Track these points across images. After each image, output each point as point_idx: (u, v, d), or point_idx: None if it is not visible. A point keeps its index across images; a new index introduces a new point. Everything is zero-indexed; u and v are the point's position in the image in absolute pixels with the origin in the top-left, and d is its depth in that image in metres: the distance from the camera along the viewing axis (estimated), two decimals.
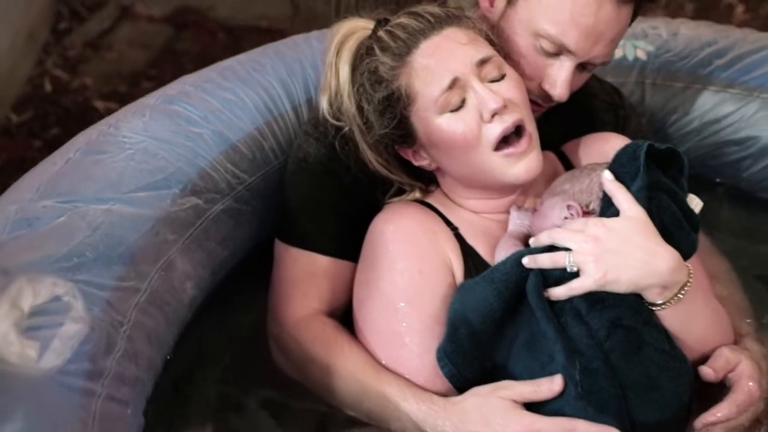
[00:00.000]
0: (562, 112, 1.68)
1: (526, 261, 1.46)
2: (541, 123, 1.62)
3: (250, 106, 1.81)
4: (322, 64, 1.89)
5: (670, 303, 1.46)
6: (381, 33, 1.56)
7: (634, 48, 2.02)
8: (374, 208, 1.65)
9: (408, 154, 1.60)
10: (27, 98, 3.15)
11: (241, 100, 1.81)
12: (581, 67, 1.62)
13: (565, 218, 1.52)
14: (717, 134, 1.99)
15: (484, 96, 1.50)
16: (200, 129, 1.73)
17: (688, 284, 1.45)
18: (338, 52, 1.60)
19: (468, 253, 1.57)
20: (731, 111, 1.97)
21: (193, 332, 1.66)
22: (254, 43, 3.39)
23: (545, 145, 1.61)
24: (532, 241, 1.50)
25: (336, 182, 1.66)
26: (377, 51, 1.55)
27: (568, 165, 1.71)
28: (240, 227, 1.76)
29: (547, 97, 1.62)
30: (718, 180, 2.03)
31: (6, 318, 1.29)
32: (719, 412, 1.49)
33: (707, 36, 2.04)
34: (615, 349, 1.44)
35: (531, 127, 1.54)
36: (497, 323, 1.48)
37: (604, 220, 1.46)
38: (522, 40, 1.60)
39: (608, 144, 1.65)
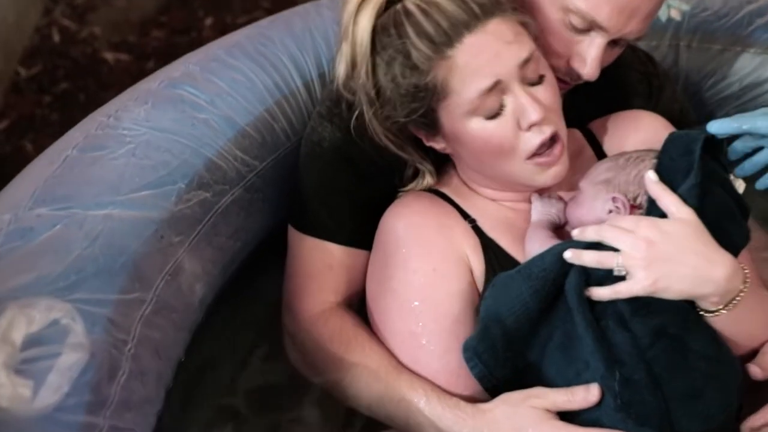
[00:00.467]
0: (591, 85, 1.53)
1: (569, 255, 1.34)
2: (567, 97, 1.49)
3: (259, 86, 1.67)
4: (335, 35, 1.78)
5: (724, 311, 1.35)
6: (411, 6, 1.39)
7: (668, 7, 1.86)
8: (392, 195, 1.54)
9: (420, 134, 1.47)
10: (35, 51, 3.01)
11: (250, 79, 1.67)
12: (612, 43, 1.48)
13: (610, 211, 1.40)
14: (757, 100, 1.84)
15: (526, 105, 1.38)
16: (206, 115, 1.60)
17: (744, 291, 1.34)
18: (356, 18, 1.42)
19: (488, 246, 1.46)
20: None
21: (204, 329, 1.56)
22: None
23: (571, 122, 1.49)
24: (575, 234, 1.37)
25: (352, 168, 1.55)
26: (411, 33, 1.37)
27: (596, 144, 1.58)
28: (252, 217, 1.64)
29: (575, 75, 1.49)
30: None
31: None
32: (765, 415, 1.39)
33: None
34: (658, 359, 1.33)
35: (563, 134, 1.43)
36: (532, 323, 1.37)
37: (658, 221, 1.33)
38: (550, 15, 1.45)
39: (640, 123, 1.54)
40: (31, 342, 1.25)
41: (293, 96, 1.69)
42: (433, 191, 1.52)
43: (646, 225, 1.33)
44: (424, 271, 1.44)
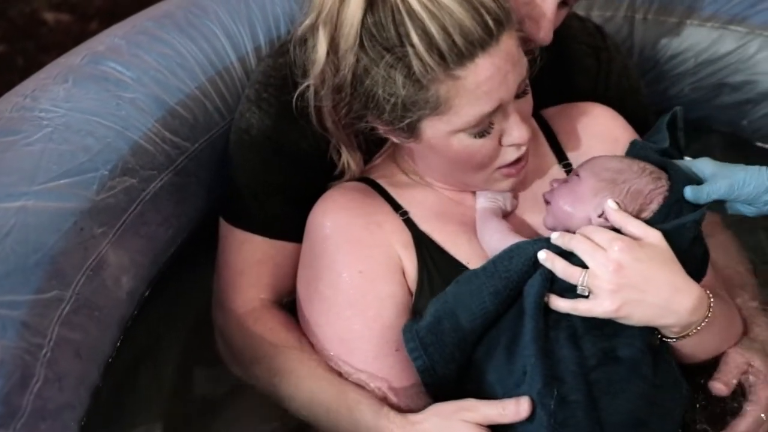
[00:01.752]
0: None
1: (543, 257, 1.26)
2: None
3: (191, 61, 1.57)
4: (270, 3, 1.66)
5: (684, 338, 1.30)
6: (414, 2, 1.21)
7: None
8: (324, 184, 1.44)
9: (379, 128, 1.33)
10: None
11: (180, 54, 1.57)
12: (562, 3, 1.39)
13: (600, 216, 1.30)
14: (713, 76, 1.77)
15: (513, 126, 1.29)
16: (132, 94, 1.49)
17: (707, 319, 1.28)
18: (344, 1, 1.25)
19: (421, 241, 1.36)
20: (730, 50, 1.74)
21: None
22: None
23: None
24: (553, 237, 1.28)
25: (282, 158, 1.45)
26: (416, 41, 1.21)
27: (549, 132, 1.48)
28: (184, 203, 1.55)
29: (528, 40, 1.38)
30: (713, 126, 1.81)
31: None
32: (743, 426, 1.33)
33: None
34: (601, 382, 1.25)
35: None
36: (487, 323, 1.29)
37: (633, 244, 1.25)
38: None
39: (593, 119, 1.48)
40: None
41: (227, 72, 1.59)
42: (365, 180, 1.42)
43: (620, 247, 1.25)
44: (350, 274, 1.35)
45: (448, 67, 1.22)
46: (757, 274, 1.55)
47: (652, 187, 1.31)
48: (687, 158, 1.40)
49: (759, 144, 1.79)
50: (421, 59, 1.22)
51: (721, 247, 1.53)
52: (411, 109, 1.26)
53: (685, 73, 1.78)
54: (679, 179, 1.32)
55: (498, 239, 1.33)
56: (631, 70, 1.67)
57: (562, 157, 1.46)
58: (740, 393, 1.37)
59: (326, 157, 1.42)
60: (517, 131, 1.29)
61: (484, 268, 1.29)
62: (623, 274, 1.23)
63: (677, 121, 1.40)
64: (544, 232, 1.37)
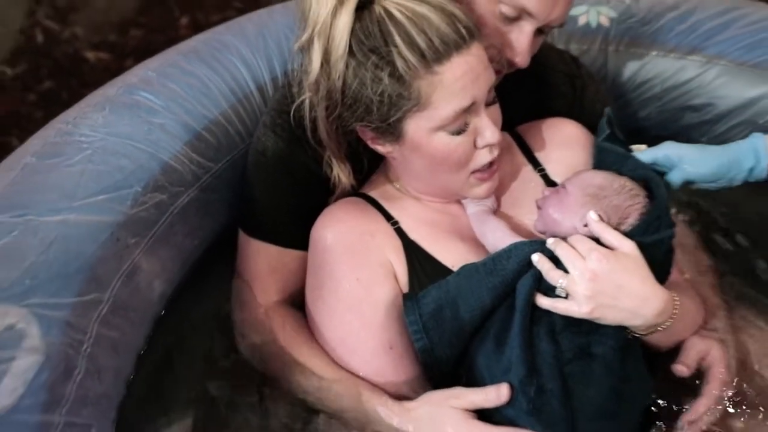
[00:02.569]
0: (517, 87, 1.45)
1: (536, 259, 1.26)
2: (497, 98, 1.39)
3: (214, 91, 1.56)
4: (286, 39, 1.67)
5: (651, 334, 1.30)
6: (396, 13, 1.24)
7: (598, 14, 1.76)
8: (329, 201, 1.44)
9: (366, 136, 1.34)
10: (19, 51, 2.86)
11: (205, 84, 1.56)
12: (538, 31, 1.39)
13: (585, 225, 1.30)
14: (677, 100, 1.76)
15: (485, 127, 1.29)
16: (162, 120, 1.49)
17: (672, 318, 1.28)
18: (335, 15, 1.25)
19: (410, 248, 1.36)
20: (691, 77, 1.73)
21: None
22: None
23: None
24: (549, 243, 1.28)
25: (292, 177, 1.45)
26: (399, 42, 1.23)
27: (525, 147, 1.49)
28: (208, 216, 1.54)
29: (508, 63, 1.39)
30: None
31: None
32: (700, 408, 1.34)
33: (669, 1, 1.78)
34: (574, 375, 1.26)
35: (501, 146, 1.35)
36: (485, 316, 1.29)
37: (609, 254, 1.25)
38: (482, 8, 1.35)
39: (563, 133, 1.47)
40: None
41: (247, 99, 1.59)
42: (360, 195, 1.43)
43: (597, 257, 1.25)
44: (348, 281, 1.35)
45: (427, 64, 1.24)
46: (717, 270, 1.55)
47: (629, 203, 1.31)
48: (641, 147, 1.41)
49: None
50: (404, 58, 1.23)
51: (684, 244, 1.53)
52: (396, 104, 1.26)
53: (652, 97, 1.77)
54: (661, 195, 1.32)
55: (500, 237, 1.33)
56: (603, 95, 1.66)
57: (536, 164, 1.46)
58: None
59: (331, 182, 1.42)
60: (489, 132, 1.29)
61: (484, 263, 1.29)
62: (598, 282, 1.24)
63: (612, 120, 1.41)
64: (524, 229, 1.38)
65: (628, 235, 1.28)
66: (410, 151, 1.32)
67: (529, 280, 1.26)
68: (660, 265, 1.28)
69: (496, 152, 1.32)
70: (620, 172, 1.35)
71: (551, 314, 1.26)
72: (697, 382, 1.37)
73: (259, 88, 1.60)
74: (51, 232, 1.28)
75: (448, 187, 1.37)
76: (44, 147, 1.41)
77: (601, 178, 1.34)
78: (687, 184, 1.40)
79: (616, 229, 1.29)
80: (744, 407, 1.36)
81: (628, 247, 1.26)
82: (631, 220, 1.30)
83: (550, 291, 1.26)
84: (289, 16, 1.71)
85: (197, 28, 2.88)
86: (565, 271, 1.25)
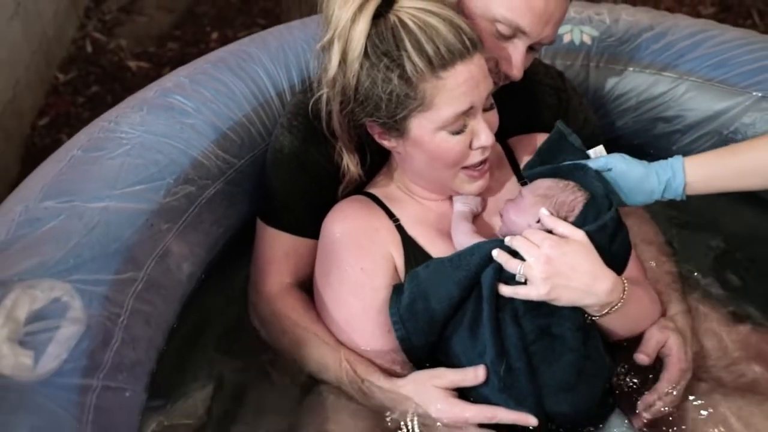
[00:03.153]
0: (509, 98, 1.44)
1: (496, 254, 1.27)
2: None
3: (239, 95, 1.57)
4: (303, 51, 1.67)
5: (606, 315, 1.29)
6: (409, 22, 1.25)
7: (581, 33, 1.75)
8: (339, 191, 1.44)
9: (374, 131, 1.35)
10: (71, 59, 2.88)
11: (231, 90, 1.56)
12: (530, 48, 1.39)
13: (538, 221, 1.30)
14: (651, 111, 1.74)
15: (482, 131, 1.30)
16: (193, 120, 1.49)
17: (622, 299, 1.28)
18: (354, 20, 1.26)
19: (408, 244, 1.37)
20: (663, 91, 1.72)
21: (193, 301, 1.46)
22: (262, 6, 3.18)
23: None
24: (506, 241, 1.29)
25: (306, 173, 1.45)
26: (409, 47, 1.24)
27: (512, 158, 1.48)
28: (232, 207, 1.54)
29: (503, 75, 1.40)
30: (651, 151, 1.78)
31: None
32: (657, 391, 1.33)
33: (645, 22, 1.76)
34: (538, 354, 1.27)
35: (493, 150, 1.35)
36: (453, 307, 1.29)
37: (560, 241, 1.26)
38: (480, 25, 1.35)
39: None
40: (34, 317, 1.15)
41: (267, 104, 1.59)
42: (366, 194, 1.43)
43: (550, 244, 1.26)
44: (354, 270, 1.35)
45: (433, 69, 1.25)
46: (675, 261, 1.54)
47: (572, 197, 1.32)
48: (599, 148, 1.39)
49: None
50: (412, 61, 1.24)
51: (645, 238, 1.53)
52: (402, 103, 1.27)
53: (628, 109, 1.76)
54: (595, 187, 1.32)
55: (465, 239, 1.35)
56: (586, 106, 1.66)
57: (520, 176, 1.46)
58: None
59: (340, 174, 1.42)
60: (484, 135, 1.30)
61: (450, 259, 1.30)
62: (552, 265, 1.24)
63: (563, 131, 1.40)
64: (496, 236, 1.37)
65: (577, 225, 1.28)
66: (412, 146, 1.33)
67: (490, 273, 1.27)
68: (608, 251, 1.28)
69: (487, 153, 1.32)
70: (560, 170, 1.36)
71: (514, 301, 1.27)
72: (656, 368, 1.36)
73: (278, 94, 1.61)
74: (94, 217, 1.29)
75: (442, 182, 1.37)
76: (89, 141, 1.41)
77: (549, 182, 1.35)
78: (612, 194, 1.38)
79: (565, 221, 1.30)
80: (699, 392, 1.35)
81: (579, 235, 1.27)
82: (576, 212, 1.31)
83: (510, 280, 1.27)
84: (306, 31, 1.72)
85: (226, 42, 2.85)
86: (522, 260, 1.26)
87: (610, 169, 1.36)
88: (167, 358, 1.38)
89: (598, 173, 1.35)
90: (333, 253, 1.37)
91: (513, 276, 1.26)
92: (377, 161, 1.45)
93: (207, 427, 1.38)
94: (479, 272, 1.27)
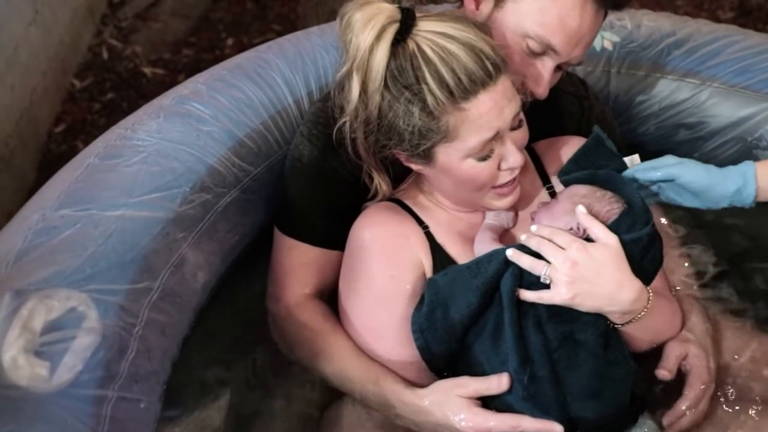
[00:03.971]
0: (531, 106, 1.41)
1: (510, 253, 1.25)
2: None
3: (256, 102, 1.55)
4: (321, 58, 1.65)
5: (628, 324, 1.27)
6: (428, 51, 1.21)
7: (602, 39, 1.73)
8: (358, 204, 1.42)
9: (401, 156, 1.32)
10: (87, 66, 2.88)
11: (248, 97, 1.55)
12: (557, 68, 1.37)
13: (570, 229, 1.28)
14: (673, 118, 1.72)
15: (510, 154, 1.27)
16: (210, 127, 1.48)
17: (646, 309, 1.26)
18: (372, 50, 1.22)
19: (437, 251, 1.34)
20: (686, 98, 1.69)
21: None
22: (277, 12, 3.17)
23: None
24: (522, 238, 1.27)
25: (325, 182, 1.43)
26: (430, 80, 1.20)
27: (538, 162, 1.46)
28: (248, 215, 1.52)
29: (529, 93, 1.37)
30: None
31: (16, 342, 1.07)
32: (682, 406, 1.31)
33: (666, 27, 1.74)
34: (561, 360, 1.24)
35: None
36: (473, 316, 1.27)
37: (587, 245, 1.23)
38: (510, 41, 1.33)
39: (572, 147, 1.42)
40: (50, 327, 1.15)
41: (285, 111, 1.57)
42: (394, 200, 1.40)
43: (577, 247, 1.23)
44: (382, 277, 1.33)
45: (455, 101, 1.22)
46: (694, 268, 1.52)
47: (608, 208, 1.29)
48: (635, 157, 1.37)
49: None
50: (433, 94, 1.21)
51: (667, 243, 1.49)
52: (426, 136, 1.24)
53: (650, 115, 1.74)
54: (635, 199, 1.29)
55: (484, 248, 1.32)
56: (608, 113, 1.64)
57: (546, 181, 1.44)
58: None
59: (360, 182, 1.40)
60: (512, 157, 1.27)
61: (468, 266, 1.28)
62: (577, 270, 1.22)
63: (601, 137, 1.37)
64: None
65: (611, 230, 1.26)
66: (440, 173, 1.31)
67: (509, 279, 1.24)
68: (638, 264, 1.25)
69: (516, 173, 1.30)
70: (598, 177, 1.33)
71: (536, 308, 1.25)
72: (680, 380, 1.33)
73: (296, 101, 1.59)
74: (110, 225, 1.28)
75: (472, 201, 1.35)
76: (106, 149, 1.41)
77: (586, 189, 1.33)
78: (672, 200, 1.36)
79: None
80: (723, 403, 1.33)
81: (612, 239, 1.24)
82: (610, 222, 1.28)
83: (532, 285, 1.24)
84: (323, 37, 1.71)
85: (241, 48, 2.89)
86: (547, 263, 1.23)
87: (672, 180, 1.33)
88: (182, 368, 1.36)
89: (638, 183, 1.32)
90: (361, 260, 1.35)
91: (534, 282, 1.24)
92: (402, 169, 1.42)
93: None
94: (498, 279, 1.25)
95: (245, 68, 1.61)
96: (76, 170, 1.38)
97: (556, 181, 1.42)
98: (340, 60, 1.29)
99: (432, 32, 1.23)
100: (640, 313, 1.26)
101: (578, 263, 1.22)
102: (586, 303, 1.23)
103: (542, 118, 1.49)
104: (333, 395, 1.40)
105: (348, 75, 1.27)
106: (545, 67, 1.35)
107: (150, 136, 1.43)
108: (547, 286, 1.24)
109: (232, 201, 1.47)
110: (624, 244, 1.24)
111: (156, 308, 1.28)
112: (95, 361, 1.14)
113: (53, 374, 1.10)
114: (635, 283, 1.24)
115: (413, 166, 1.33)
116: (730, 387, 1.38)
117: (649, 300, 1.26)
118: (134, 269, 1.26)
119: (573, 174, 1.35)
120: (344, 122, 1.31)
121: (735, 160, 1.69)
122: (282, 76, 1.60)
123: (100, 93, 2.78)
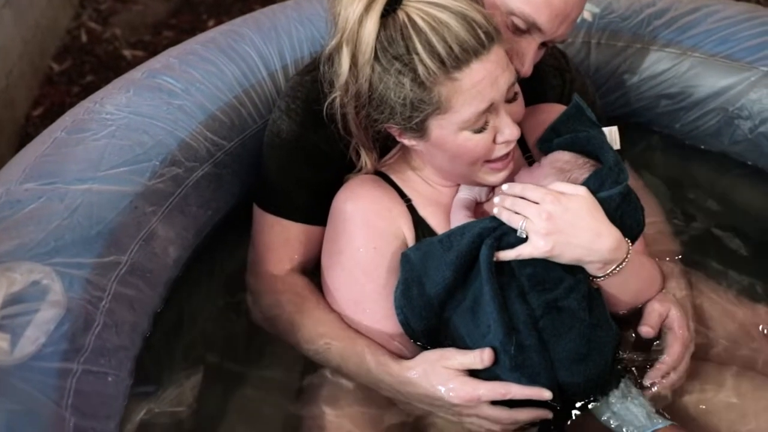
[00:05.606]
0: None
1: (497, 211, 1.24)
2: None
3: (229, 76, 1.54)
4: (296, 32, 1.64)
5: (609, 276, 1.26)
6: (418, 20, 1.19)
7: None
8: (339, 179, 1.40)
9: (393, 131, 1.30)
10: (66, 48, 2.86)
11: (221, 71, 1.54)
12: (542, 45, 1.36)
13: None
14: (654, 89, 1.71)
15: (505, 126, 1.25)
16: (181, 101, 1.47)
17: (626, 259, 1.25)
18: (362, 22, 1.20)
19: (419, 224, 1.33)
20: (666, 68, 1.68)
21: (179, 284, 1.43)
22: None
23: None
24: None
25: (304, 157, 1.41)
26: (420, 50, 1.18)
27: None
28: (220, 189, 1.51)
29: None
30: (654, 128, 1.75)
31: None
32: (663, 367, 1.30)
33: None
34: (547, 328, 1.24)
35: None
36: (449, 290, 1.26)
37: (561, 197, 1.23)
38: (495, 17, 1.29)
39: (551, 114, 1.40)
40: (11, 300, 1.13)
41: (259, 85, 1.56)
42: (378, 173, 1.39)
43: (551, 199, 1.23)
44: (366, 249, 1.31)
45: (447, 71, 1.19)
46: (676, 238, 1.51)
47: (587, 176, 1.28)
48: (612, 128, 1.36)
49: (688, 143, 1.73)
50: (424, 64, 1.19)
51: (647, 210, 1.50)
52: (418, 108, 1.22)
53: (631, 86, 1.73)
54: (608, 159, 1.28)
55: (457, 223, 1.31)
56: (589, 86, 1.63)
57: (525, 150, 1.42)
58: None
59: (340, 157, 1.38)
60: (508, 129, 1.25)
61: (440, 240, 1.27)
62: (553, 221, 1.21)
63: (581, 105, 1.35)
64: None
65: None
66: (434, 146, 1.29)
67: (486, 252, 1.23)
68: (618, 223, 1.25)
69: (512, 146, 1.28)
70: (579, 140, 1.32)
71: (518, 278, 1.24)
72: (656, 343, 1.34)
73: (270, 75, 1.57)
74: (76, 199, 1.27)
75: (466, 176, 1.33)
76: (73, 123, 1.39)
77: (569, 155, 1.32)
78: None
79: None
80: (704, 365, 1.33)
81: (581, 189, 1.24)
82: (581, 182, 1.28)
83: (508, 248, 1.24)
84: (299, 11, 1.69)
85: None
86: None
87: None
88: (156, 344, 1.35)
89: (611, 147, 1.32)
90: (344, 232, 1.33)
91: (512, 244, 1.23)
92: (387, 144, 1.40)
93: (197, 415, 1.36)
94: (471, 252, 1.24)
95: (219, 42, 1.59)
96: (42, 144, 1.36)
97: (536, 150, 1.41)
98: (328, 33, 1.27)
99: (423, 2, 1.20)
100: (621, 264, 1.25)
101: (553, 215, 1.21)
102: (565, 254, 1.22)
103: (524, 92, 1.48)
104: (312, 365, 1.39)
105: (337, 48, 1.25)
106: (530, 45, 1.34)
107: (119, 109, 1.42)
108: (525, 240, 1.23)
109: (204, 175, 1.46)
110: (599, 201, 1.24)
111: (124, 282, 1.26)
112: (59, 334, 1.13)
113: (15, 347, 1.08)
114: (613, 231, 1.24)
115: (406, 141, 1.31)
116: (713, 349, 1.38)
117: (628, 251, 1.25)
118: (101, 243, 1.25)
119: (555, 140, 1.34)
120: (334, 97, 1.29)
121: (717, 131, 1.69)
122: (256, 50, 1.59)
123: (79, 76, 2.76)
